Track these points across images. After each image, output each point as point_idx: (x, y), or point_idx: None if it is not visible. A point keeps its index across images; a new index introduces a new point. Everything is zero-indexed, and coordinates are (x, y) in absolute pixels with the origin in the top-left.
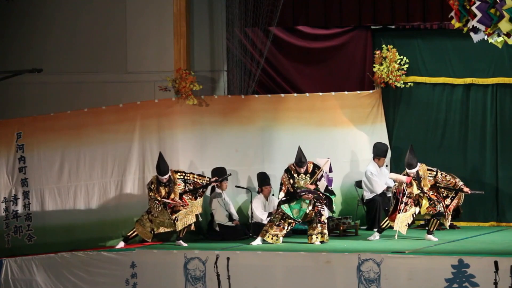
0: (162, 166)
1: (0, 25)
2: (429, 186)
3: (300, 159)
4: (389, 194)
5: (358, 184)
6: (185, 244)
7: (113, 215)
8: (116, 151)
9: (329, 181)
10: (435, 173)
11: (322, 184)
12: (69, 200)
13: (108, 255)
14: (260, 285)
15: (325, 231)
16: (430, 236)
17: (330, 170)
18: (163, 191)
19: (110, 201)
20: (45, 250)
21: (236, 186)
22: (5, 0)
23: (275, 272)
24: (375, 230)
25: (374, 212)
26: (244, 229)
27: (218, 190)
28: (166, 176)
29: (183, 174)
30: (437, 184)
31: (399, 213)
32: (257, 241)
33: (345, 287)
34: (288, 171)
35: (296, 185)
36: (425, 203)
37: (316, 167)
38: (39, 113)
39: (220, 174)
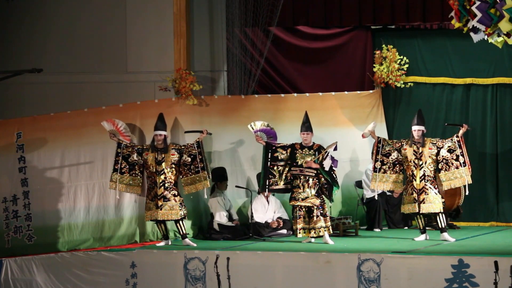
0: (159, 123)
1: (0, 25)
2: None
3: (304, 123)
4: (389, 193)
5: (358, 184)
6: (194, 244)
7: (113, 215)
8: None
9: (335, 162)
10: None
11: (327, 163)
12: (69, 200)
13: (108, 255)
14: (260, 285)
15: (328, 224)
16: (445, 235)
17: (335, 149)
18: (151, 156)
19: (110, 201)
20: (45, 250)
21: (236, 186)
22: (5, 0)
23: (275, 272)
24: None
25: (374, 212)
26: (244, 229)
27: (218, 190)
28: (162, 133)
29: (178, 146)
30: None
31: (375, 171)
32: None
33: (345, 287)
34: (292, 146)
35: (298, 161)
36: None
37: (322, 147)
38: (39, 113)
39: (220, 174)
